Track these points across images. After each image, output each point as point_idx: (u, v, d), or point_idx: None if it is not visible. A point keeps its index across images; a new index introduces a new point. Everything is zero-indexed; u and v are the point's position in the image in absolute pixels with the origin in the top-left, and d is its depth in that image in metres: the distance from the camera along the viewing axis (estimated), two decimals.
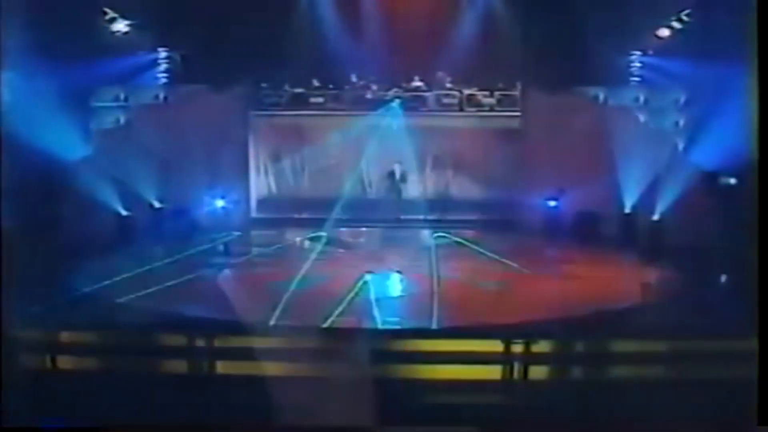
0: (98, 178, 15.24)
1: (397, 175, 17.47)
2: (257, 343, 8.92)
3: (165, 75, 17.77)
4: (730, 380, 7.71)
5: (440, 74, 17.81)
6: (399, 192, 17.54)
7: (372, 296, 11.52)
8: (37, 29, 12.97)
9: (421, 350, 9.31)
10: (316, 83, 17.83)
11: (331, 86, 17.88)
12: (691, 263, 13.06)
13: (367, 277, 12.19)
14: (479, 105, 17.75)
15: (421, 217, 16.72)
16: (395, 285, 12.75)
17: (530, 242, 15.73)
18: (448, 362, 8.94)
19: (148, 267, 13.05)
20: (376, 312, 10.88)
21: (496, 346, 8.99)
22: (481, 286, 12.59)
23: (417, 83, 17.86)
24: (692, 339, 9.34)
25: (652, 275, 13.07)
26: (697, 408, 7.65)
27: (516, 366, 8.95)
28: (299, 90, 17.78)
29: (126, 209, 15.80)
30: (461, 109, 17.75)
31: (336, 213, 15.19)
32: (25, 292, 8.90)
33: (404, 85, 17.77)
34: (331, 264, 13.66)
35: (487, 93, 17.72)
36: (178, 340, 9.54)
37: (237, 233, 15.75)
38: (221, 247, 14.93)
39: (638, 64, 17.48)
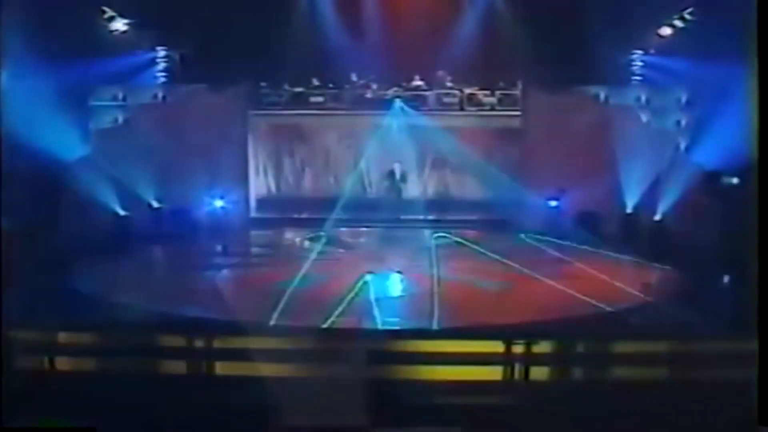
0: (97, 177, 15.20)
1: (398, 175, 17.42)
2: (257, 343, 8.88)
3: (164, 74, 17.76)
4: (730, 381, 7.67)
5: (441, 73, 17.78)
6: (399, 192, 17.48)
7: (372, 296, 11.46)
8: (36, 28, 12.93)
9: (422, 351, 9.27)
10: (315, 82, 17.81)
11: (331, 85, 17.85)
12: (691, 263, 13.04)
13: (368, 277, 12.11)
14: (480, 104, 17.74)
15: (422, 216, 16.66)
16: (395, 285, 12.70)
17: (531, 242, 15.70)
18: (449, 363, 8.90)
19: (147, 267, 13.02)
20: (376, 312, 10.83)
21: (496, 346, 8.97)
22: (481, 286, 12.56)
23: (417, 82, 17.84)
24: (692, 339, 9.31)
25: (652, 275, 13.04)
26: (697, 408, 7.63)
27: (517, 366, 8.93)
28: (299, 89, 17.75)
29: (124, 209, 15.78)
30: (462, 109, 17.74)
31: (336, 213, 15.17)
32: (25, 293, 8.88)
33: (404, 84, 17.74)
34: (331, 264, 13.61)
35: (487, 92, 17.73)
36: (177, 340, 9.50)
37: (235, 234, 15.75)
38: (220, 248, 14.91)
39: (639, 64, 17.48)
